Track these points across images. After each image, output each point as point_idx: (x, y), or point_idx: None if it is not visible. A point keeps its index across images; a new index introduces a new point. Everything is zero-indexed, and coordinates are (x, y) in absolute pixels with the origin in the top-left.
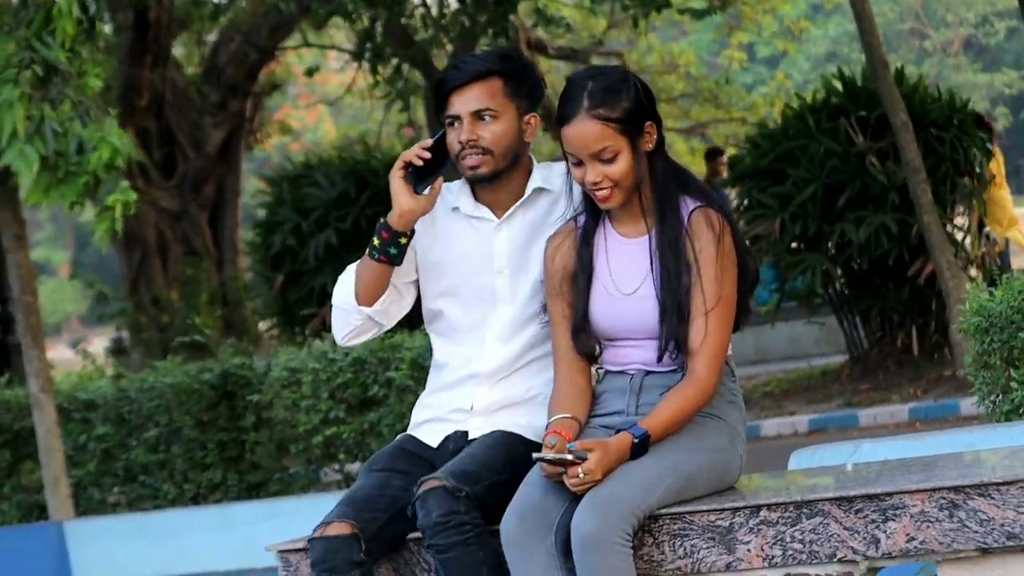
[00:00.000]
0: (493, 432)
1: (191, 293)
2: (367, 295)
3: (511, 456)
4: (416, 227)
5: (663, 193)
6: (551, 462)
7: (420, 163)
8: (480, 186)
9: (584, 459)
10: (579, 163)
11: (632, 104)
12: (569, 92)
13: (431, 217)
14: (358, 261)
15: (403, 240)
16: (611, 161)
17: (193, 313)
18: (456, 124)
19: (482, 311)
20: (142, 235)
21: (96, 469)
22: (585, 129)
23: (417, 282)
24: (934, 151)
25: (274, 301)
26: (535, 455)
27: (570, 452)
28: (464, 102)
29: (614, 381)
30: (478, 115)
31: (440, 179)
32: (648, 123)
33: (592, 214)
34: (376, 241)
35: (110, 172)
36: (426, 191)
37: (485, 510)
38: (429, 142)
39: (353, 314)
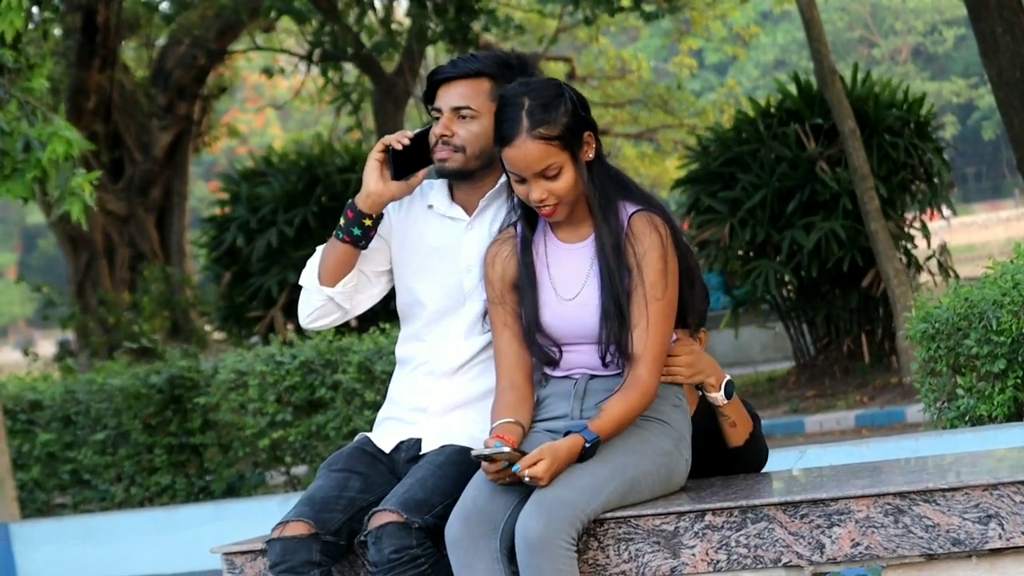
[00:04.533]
0: (445, 448)
1: (138, 296)
2: (329, 276)
3: (462, 474)
4: (392, 220)
5: (603, 198)
6: (488, 458)
7: (399, 148)
8: (457, 185)
9: (523, 453)
10: (522, 180)
11: (570, 118)
12: (507, 112)
13: (407, 213)
14: (327, 242)
15: (367, 222)
16: (555, 177)
17: (140, 316)
18: (439, 117)
19: (450, 308)
20: (89, 238)
21: (42, 471)
22: (528, 150)
23: (391, 273)
24: (888, 157)
25: (221, 301)
26: (473, 453)
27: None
28: (448, 97)
29: (558, 385)
30: (458, 112)
31: (423, 171)
32: (587, 133)
33: (529, 221)
34: (341, 220)
35: (65, 163)
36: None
37: (438, 534)
38: (410, 133)
39: (315, 294)
